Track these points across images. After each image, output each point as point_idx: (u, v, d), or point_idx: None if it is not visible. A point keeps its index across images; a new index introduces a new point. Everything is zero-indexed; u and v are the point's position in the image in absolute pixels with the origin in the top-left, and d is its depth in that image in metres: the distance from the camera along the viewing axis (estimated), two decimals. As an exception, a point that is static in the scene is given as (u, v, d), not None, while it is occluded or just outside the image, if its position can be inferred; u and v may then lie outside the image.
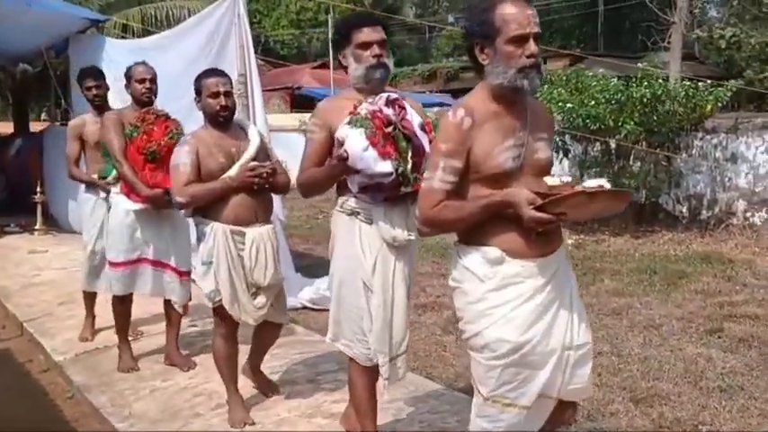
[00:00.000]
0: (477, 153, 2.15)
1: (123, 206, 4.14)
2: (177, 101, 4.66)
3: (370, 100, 2.75)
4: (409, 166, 2.71)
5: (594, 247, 7.87)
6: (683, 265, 6.74)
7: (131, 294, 4.30)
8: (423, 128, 2.80)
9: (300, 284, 5.79)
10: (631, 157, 8.65)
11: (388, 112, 2.71)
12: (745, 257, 7.07)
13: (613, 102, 8.22)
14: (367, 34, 2.84)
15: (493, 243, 2.19)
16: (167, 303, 4.33)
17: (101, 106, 4.76)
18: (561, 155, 8.96)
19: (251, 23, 6.06)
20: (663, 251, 7.50)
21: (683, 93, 8.16)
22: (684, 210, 8.59)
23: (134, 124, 4.02)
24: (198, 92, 3.45)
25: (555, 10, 30.42)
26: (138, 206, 4.08)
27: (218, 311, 3.43)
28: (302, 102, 21.34)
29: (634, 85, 8.24)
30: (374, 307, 2.84)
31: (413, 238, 2.86)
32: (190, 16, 11.27)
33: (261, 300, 3.43)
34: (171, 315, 4.36)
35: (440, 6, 37.31)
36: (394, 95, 2.82)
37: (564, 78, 9.04)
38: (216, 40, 6.01)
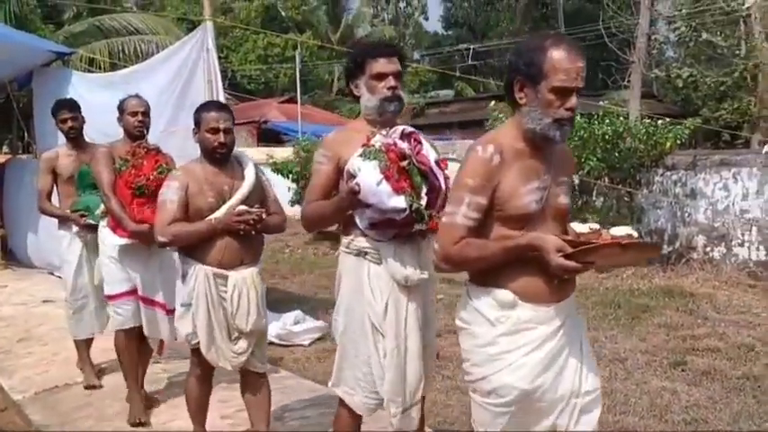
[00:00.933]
0: (503, 192, 2.09)
1: (110, 240, 4.06)
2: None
3: (383, 132, 2.65)
4: (423, 202, 2.58)
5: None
6: (647, 299, 6.84)
7: (136, 330, 4.11)
8: (437, 164, 2.69)
9: (267, 320, 5.73)
10: (594, 193, 8.80)
11: (403, 145, 2.60)
12: (705, 291, 7.20)
13: (576, 138, 8.39)
14: (383, 65, 2.74)
15: (506, 285, 2.13)
16: (141, 341, 4.17)
17: (75, 139, 4.69)
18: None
19: (218, 58, 6.09)
20: (626, 285, 7.60)
21: (644, 130, 8.36)
22: (646, 244, 8.75)
23: (124, 158, 3.94)
24: (197, 123, 3.30)
25: (518, 48, 31.01)
26: (125, 241, 3.99)
27: (196, 353, 3.31)
28: (269, 135, 21.33)
29: (596, 122, 8.43)
30: (387, 353, 2.68)
31: (426, 276, 2.72)
32: (158, 50, 11.29)
33: (241, 345, 3.28)
34: (143, 351, 4.22)
35: (405, 44, 37.84)
36: (410, 129, 2.71)
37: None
38: (183, 73, 6.02)
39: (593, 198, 8.81)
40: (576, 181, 8.74)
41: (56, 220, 4.73)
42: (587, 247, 1.97)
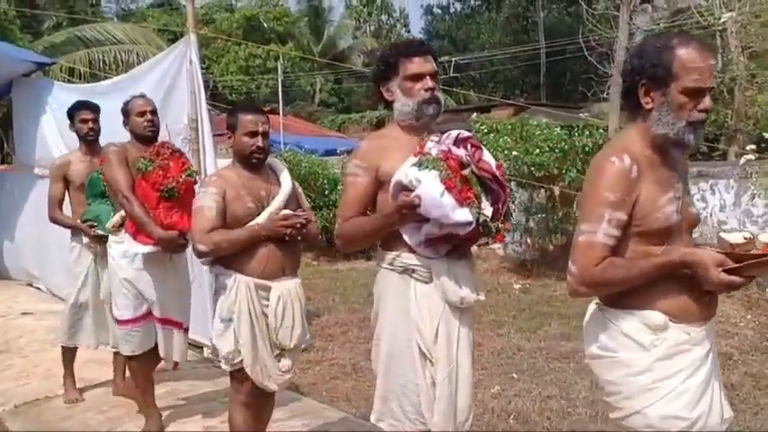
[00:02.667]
0: (643, 205, 1.93)
1: (130, 250, 3.71)
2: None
3: (434, 138, 2.43)
4: (489, 213, 2.37)
5: (541, 292, 8.01)
6: (627, 309, 6.89)
7: (149, 351, 3.88)
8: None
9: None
10: (575, 204, 8.89)
11: (460, 152, 2.39)
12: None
13: (557, 150, 8.48)
14: (419, 65, 2.50)
15: (655, 306, 1.94)
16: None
17: (92, 143, 4.40)
18: (508, 201, 9.15)
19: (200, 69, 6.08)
20: (607, 295, 7.65)
21: (623, 142, 8.45)
22: (626, 255, 8.84)
23: (148, 158, 3.62)
24: (231, 128, 3.09)
25: (499, 61, 31.38)
26: (148, 249, 3.65)
27: (236, 376, 3.04)
28: (250, 147, 21.30)
29: (576, 134, 8.52)
30: (438, 382, 2.43)
31: (483, 297, 2.54)
32: (139, 60, 11.27)
33: (286, 363, 3.07)
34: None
35: (387, 55, 37.94)
36: (465, 133, 2.49)
37: (509, 127, 9.30)
38: (164, 85, 5.99)
39: (574, 209, 8.89)
40: (557, 192, 8.83)
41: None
42: (759, 260, 1.79)
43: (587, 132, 8.48)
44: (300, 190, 3.30)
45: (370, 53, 36.21)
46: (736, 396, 4.53)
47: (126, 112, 3.84)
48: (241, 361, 2.97)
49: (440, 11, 38.53)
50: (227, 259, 2.99)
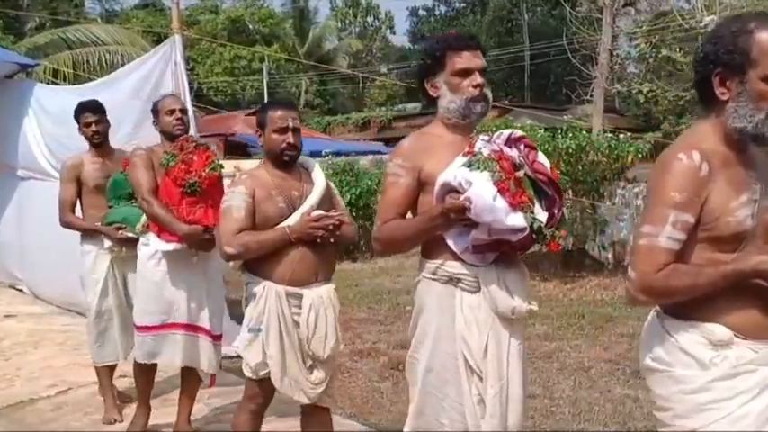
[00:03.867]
0: (712, 207, 1.74)
1: (156, 249, 3.57)
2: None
3: (484, 137, 2.27)
4: (543, 217, 2.20)
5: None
6: (610, 309, 6.96)
7: (155, 364, 3.76)
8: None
9: (235, 332, 5.71)
10: (559, 205, 8.96)
11: (512, 153, 2.24)
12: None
13: (541, 152, 8.53)
14: (468, 59, 2.33)
15: (720, 319, 1.76)
16: (187, 368, 3.73)
17: (100, 145, 4.21)
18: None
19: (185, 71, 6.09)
20: (590, 296, 7.73)
21: (606, 144, 8.54)
22: (609, 256, 8.90)
23: (170, 152, 3.50)
24: (261, 125, 2.93)
25: (484, 63, 31.46)
26: (173, 246, 3.50)
27: (253, 385, 2.89)
28: (236, 148, 21.31)
29: (560, 136, 8.58)
30: (487, 400, 2.25)
31: (535, 307, 2.38)
32: (123, 61, 11.22)
33: (318, 375, 2.87)
34: (189, 382, 3.78)
35: (373, 57, 38.08)
36: (519, 132, 2.36)
37: (494, 128, 9.35)
38: (148, 86, 5.99)
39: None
40: (541, 193, 8.89)
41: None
42: None
43: (571, 134, 8.54)
44: (335, 189, 3.14)
45: (355, 54, 36.29)
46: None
47: (156, 111, 3.73)
48: (267, 373, 2.80)
49: (425, 13, 38.71)
50: (256, 266, 2.83)
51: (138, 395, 3.94)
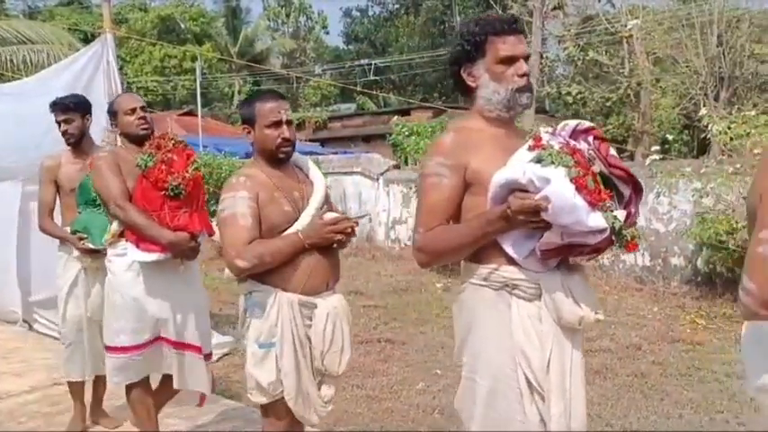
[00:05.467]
0: None
1: (135, 260, 3.17)
2: (36, 149, 4.48)
3: (547, 129, 2.02)
4: (622, 216, 1.94)
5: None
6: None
7: (146, 378, 3.36)
8: None
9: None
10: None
11: (581, 146, 1.99)
12: (597, 296, 7.61)
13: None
14: (512, 46, 2.10)
15: None
16: (164, 379, 3.38)
17: (76, 145, 3.88)
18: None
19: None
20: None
21: (538, 144, 8.76)
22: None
23: (147, 152, 3.15)
24: (249, 121, 2.64)
25: (418, 65, 31.79)
26: (155, 256, 3.12)
27: (271, 408, 2.59)
28: (168, 150, 20.90)
29: (494, 136, 8.77)
30: (552, 418, 2.00)
31: (602, 317, 2.12)
32: (50, 61, 10.87)
33: (328, 392, 2.66)
34: (162, 391, 3.40)
35: (307, 57, 37.93)
36: (587, 123, 2.07)
37: (429, 130, 9.50)
38: (79, 86, 5.84)
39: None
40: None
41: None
42: None
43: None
44: (339, 187, 2.96)
45: (288, 54, 36.08)
46: (645, 384, 4.80)
47: (113, 112, 3.40)
48: (282, 392, 2.54)
49: (358, 14, 38.78)
50: (263, 273, 2.53)
51: (136, 423, 3.46)
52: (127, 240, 3.19)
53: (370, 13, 38.37)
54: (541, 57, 15.27)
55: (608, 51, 16.91)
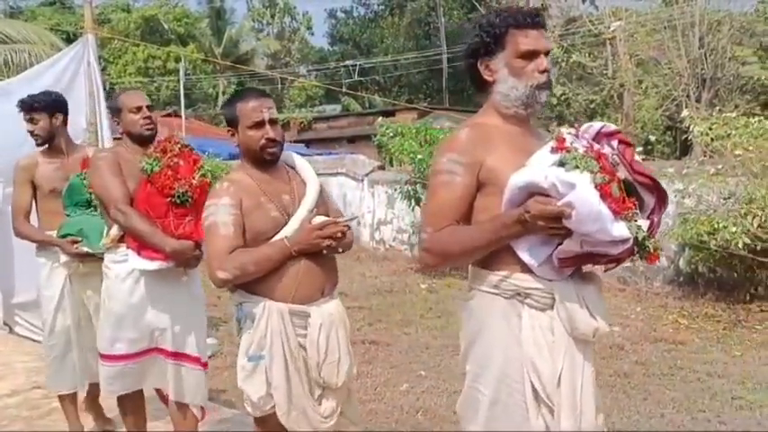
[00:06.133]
0: None
1: (136, 268, 3.04)
2: (17, 148, 4.41)
3: (569, 131, 1.91)
4: (645, 226, 1.84)
5: (447, 291, 8.21)
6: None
7: (140, 390, 3.27)
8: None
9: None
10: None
11: (606, 150, 1.89)
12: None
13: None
14: (535, 40, 2.00)
15: None
16: (178, 405, 3.20)
17: (46, 146, 3.71)
18: (413, 203, 9.35)
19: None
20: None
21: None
22: (526, 254, 9.18)
23: (153, 156, 3.00)
24: (232, 123, 2.53)
25: (403, 66, 31.83)
26: (157, 264, 2.99)
27: (263, 422, 2.49)
28: (151, 151, 20.82)
29: (478, 137, 8.79)
30: None
31: (615, 328, 2.03)
32: (32, 60, 10.78)
33: (329, 405, 2.49)
34: (182, 421, 3.21)
35: (291, 58, 37.87)
36: (612, 126, 1.96)
37: (414, 131, 9.50)
38: (60, 87, 5.78)
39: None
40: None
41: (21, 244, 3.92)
42: None
43: (488, 136, 8.76)
44: (326, 188, 2.72)
45: (273, 55, 35.99)
46: (627, 383, 4.83)
47: (117, 108, 3.20)
48: (273, 407, 2.43)
49: (343, 15, 38.78)
50: (252, 283, 2.42)
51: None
52: (128, 247, 3.05)
53: (355, 14, 38.42)
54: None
55: (591, 53, 17.01)
